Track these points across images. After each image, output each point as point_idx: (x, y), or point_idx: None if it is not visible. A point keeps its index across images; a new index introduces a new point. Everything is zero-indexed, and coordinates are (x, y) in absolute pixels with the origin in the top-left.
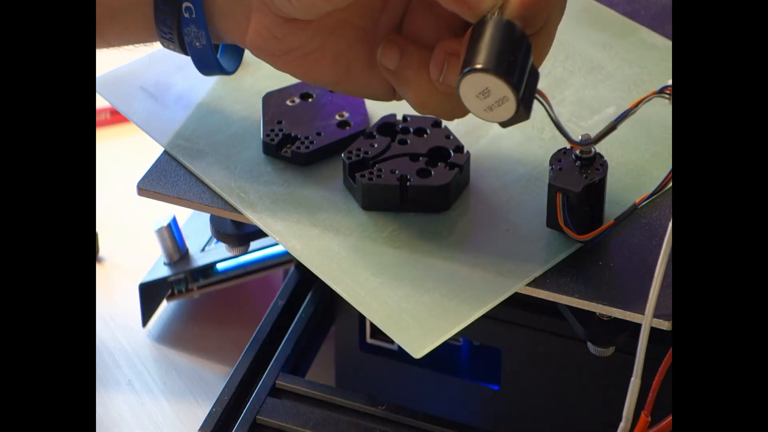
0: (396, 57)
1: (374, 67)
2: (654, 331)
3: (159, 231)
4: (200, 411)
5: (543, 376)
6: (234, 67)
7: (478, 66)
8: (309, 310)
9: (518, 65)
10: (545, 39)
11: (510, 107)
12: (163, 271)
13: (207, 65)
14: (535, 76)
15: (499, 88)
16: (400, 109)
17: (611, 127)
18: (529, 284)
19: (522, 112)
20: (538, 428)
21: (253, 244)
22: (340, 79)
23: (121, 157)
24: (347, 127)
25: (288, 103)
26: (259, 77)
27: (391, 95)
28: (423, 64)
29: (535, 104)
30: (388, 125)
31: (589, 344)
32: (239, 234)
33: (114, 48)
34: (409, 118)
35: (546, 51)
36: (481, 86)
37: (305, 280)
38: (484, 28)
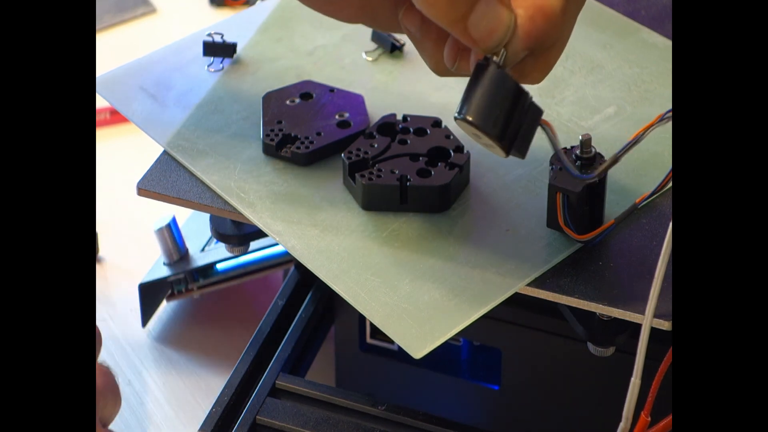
0: (417, 23)
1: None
2: (654, 331)
3: (159, 231)
4: (200, 411)
5: (543, 376)
6: None
7: (469, 118)
8: (309, 310)
9: (509, 118)
10: (554, 53)
11: (500, 152)
12: (163, 272)
13: None
14: (533, 120)
15: (488, 138)
16: (400, 109)
17: (614, 160)
18: (529, 284)
19: (517, 154)
20: (538, 428)
21: (253, 244)
22: (366, 22)
23: (121, 157)
24: (347, 127)
25: (288, 103)
26: (259, 77)
27: None
28: (441, 39)
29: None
30: (388, 125)
31: (589, 344)
32: (239, 234)
33: None
34: (409, 118)
35: (554, 63)
36: (473, 130)
37: (305, 280)
38: (483, 74)
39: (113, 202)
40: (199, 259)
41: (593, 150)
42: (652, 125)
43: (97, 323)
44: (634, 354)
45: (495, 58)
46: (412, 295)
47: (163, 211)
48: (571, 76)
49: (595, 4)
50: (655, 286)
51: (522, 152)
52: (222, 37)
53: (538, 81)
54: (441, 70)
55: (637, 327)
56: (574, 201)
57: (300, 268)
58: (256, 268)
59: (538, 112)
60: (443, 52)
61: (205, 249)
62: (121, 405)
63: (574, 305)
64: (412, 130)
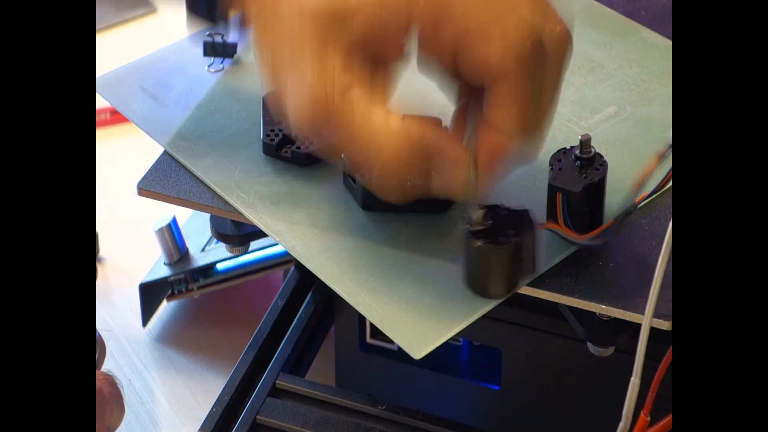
0: None
1: None
2: (654, 331)
3: (159, 231)
4: (200, 411)
5: (543, 376)
6: None
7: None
8: (309, 310)
9: (510, 273)
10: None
11: None
12: (163, 272)
13: None
14: (532, 244)
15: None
16: (400, 109)
17: (627, 213)
18: (529, 284)
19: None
20: (538, 428)
21: (253, 244)
22: None
23: (121, 157)
24: None
25: None
26: (259, 77)
27: None
28: None
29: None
30: None
31: (589, 344)
32: (239, 234)
33: None
34: None
35: (542, 142)
36: None
37: (305, 280)
38: (472, 248)
39: (113, 202)
40: (200, 259)
41: (593, 150)
42: (653, 168)
43: (97, 323)
44: (633, 354)
45: (480, 227)
46: (412, 296)
47: (163, 211)
48: (571, 75)
49: (595, 4)
50: (655, 286)
51: (533, 272)
52: (222, 37)
53: (535, 159)
54: None
55: (637, 327)
56: (574, 201)
57: (300, 268)
58: (256, 268)
59: (533, 231)
60: None
61: (206, 249)
62: (124, 413)
63: (574, 305)
64: None
